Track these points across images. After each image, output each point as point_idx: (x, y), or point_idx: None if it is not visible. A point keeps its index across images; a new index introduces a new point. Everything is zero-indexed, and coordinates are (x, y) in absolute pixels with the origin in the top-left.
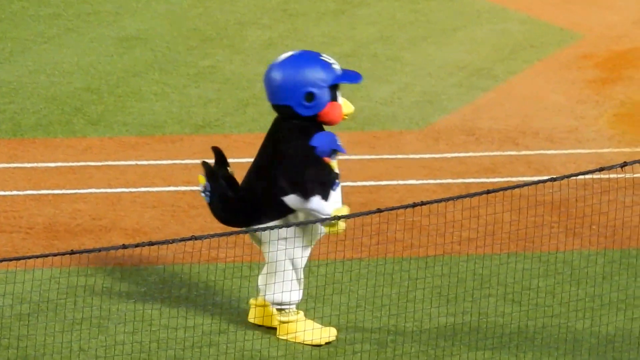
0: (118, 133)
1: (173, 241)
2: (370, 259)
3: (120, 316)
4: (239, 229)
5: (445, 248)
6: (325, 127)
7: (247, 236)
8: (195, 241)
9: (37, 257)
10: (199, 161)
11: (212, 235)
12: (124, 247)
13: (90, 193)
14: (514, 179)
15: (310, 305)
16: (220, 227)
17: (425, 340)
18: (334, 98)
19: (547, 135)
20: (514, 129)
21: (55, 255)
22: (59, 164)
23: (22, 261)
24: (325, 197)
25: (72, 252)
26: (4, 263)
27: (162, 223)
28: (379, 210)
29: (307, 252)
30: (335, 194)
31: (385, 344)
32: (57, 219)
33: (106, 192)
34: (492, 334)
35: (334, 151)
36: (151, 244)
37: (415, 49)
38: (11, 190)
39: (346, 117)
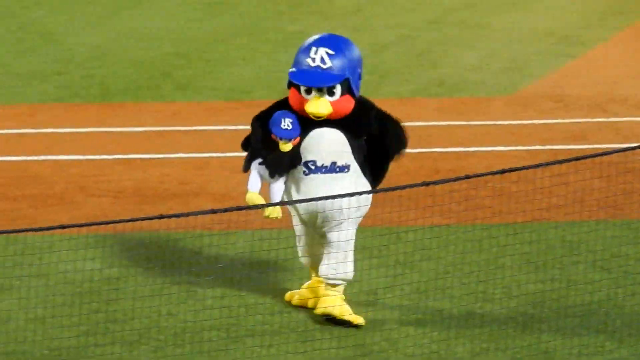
0: (206, 98)
1: (262, 206)
2: (459, 225)
3: (208, 281)
4: (330, 200)
5: (533, 214)
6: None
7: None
8: (284, 206)
9: (125, 221)
10: None
11: (299, 201)
12: (213, 211)
13: (179, 158)
14: (602, 146)
15: (398, 272)
16: None
17: (513, 307)
18: (294, 86)
19: (636, 102)
20: (602, 96)
21: (144, 219)
22: (147, 128)
23: (111, 225)
24: (245, 166)
25: (161, 217)
26: (93, 227)
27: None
28: (467, 177)
29: None
30: (256, 171)
31: (474, 311)
32: (145, 184)
33: (194, 157)
34: (581, 301)
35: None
36: (239, 208)
37: (502, 15)
38: (100, 155)
39: (311, 115)
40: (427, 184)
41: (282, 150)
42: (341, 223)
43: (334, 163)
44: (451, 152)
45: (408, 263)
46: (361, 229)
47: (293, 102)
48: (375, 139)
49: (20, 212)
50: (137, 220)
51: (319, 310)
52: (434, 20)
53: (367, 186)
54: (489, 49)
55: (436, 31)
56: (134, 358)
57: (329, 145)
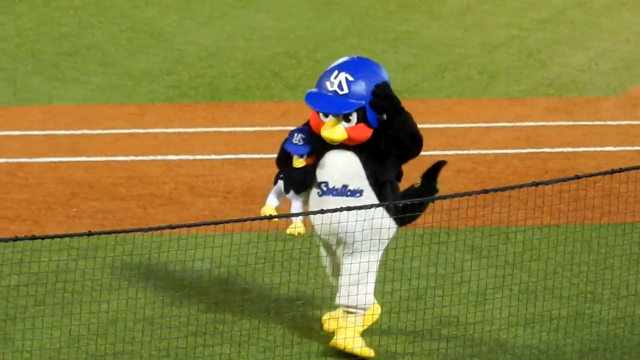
0: None
1: (371, 206)
2: (568, 225)
3: (317, 281)
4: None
5: None
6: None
7: (445, 202)
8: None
9: (235, 221)
10: None
11: (409, 201)
12: (323, 212)
13: None
14: None
15: (507, 272)
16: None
17: (622, 307)
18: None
19: None
20: None
21: (253, 219)
22: (257, 128)
23: (220, 225)
24: (274, 181)
25: (270, 217)
26: (202, 227)
27: None
28: (577, 177)
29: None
30: (277, 187)
31: (582, 311)
32: (254, 183)
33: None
34: None
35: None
36: (350, 208)
37: (613, 15)
38: (210, 155)
39: (325, 139)
40: (536, 184)
41: (294, 165)
42: (356, 249)
43: (345, 186)
44: (560, 152)
45: (517, 263)
46: (470, 230)
47: (312, 122)
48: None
49: (129, 212)
50: (246, 220)
51: (331, 343)
52: (544, 20)
53: (384, 214)
54: (598, 48)
55: (546, 31)
56: (243, 358)
57: (341, 167)
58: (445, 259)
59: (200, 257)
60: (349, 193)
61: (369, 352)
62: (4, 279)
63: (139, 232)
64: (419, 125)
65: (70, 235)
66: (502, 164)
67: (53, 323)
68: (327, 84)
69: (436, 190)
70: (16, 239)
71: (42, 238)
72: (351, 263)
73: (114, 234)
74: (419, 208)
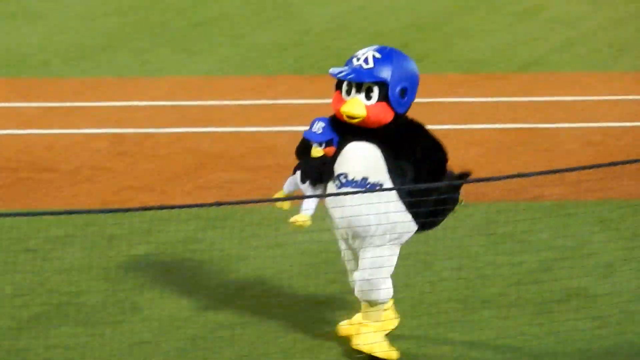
0: (444, 70)
1: (498, 178)
2: None
3: (445, 252)
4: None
5: None
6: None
7: (573, 174)
8: (520, 178)
9: (364, 191)
10: (525, 99)
11: (538, 173)
12: (450, 184)
13: None
14: None
15: (635, 244)
16: (544, 166)
17: None
18: (337, 88)
19: None
20: None
21: (374, 191)
22: None
23: (348, 196)
24: (293, 171)
25: (392, 189)
26: (327, 197)
27: (487, 160)
28: None
29: None
30: (293, 177)
31: None
32: None
33: (432, 129)
34: None
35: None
36: (477, 180)
37: None
38: None
39: (347, 117)
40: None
41: (312, 155)
42: (372, 243)
43: (364, 179)
44: None
45: None
46: (598, 202)
47: (334, 104)
48: (417, 165)
49: (257, 182)
50: (376, 191)
51: (353, 345)
52: None
53: (403, 210)
54: None
55: None
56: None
57: (362, 159)
58: (573, 231)
59: (327, 228)
60: (368, 186)
61: (391, 355)
62: (133, 248)
63: (266, 203)
64: (540, 98)
65: (199, 205)
66: (631, 137)
67: (181, 293)
68: (354, 60)
69: (458, 201)
70: (145, 208)
71: (171, 208)
72: (369, 257)
73: (241, 204)
74: (440, 212)
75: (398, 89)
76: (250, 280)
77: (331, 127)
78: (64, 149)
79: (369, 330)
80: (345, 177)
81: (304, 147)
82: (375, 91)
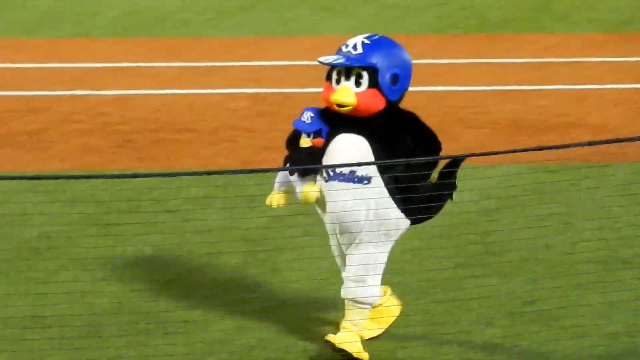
0: (585, 30)
1: (639, 138)
2: None
3: (584, 213)
4: None
5: None
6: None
7: None
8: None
9: (502, 152)
10: None
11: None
12: (589, 143)
13: (556, 89)
14: None
15: None
16: None
17: None
18: (327, 79)
19: None
20: None
21: (521, 151)
22: (525, 60)
23: (488, 157)
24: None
25: (540, 148)
26: (470, 158)
27: (628, 119)
28: None
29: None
30: (280, 176)
31: None
32: (521, 115)
33: (572, 89)
34: None
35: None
36: (618, 140)
37: None
38: (477, 86)
39: (336, 106)
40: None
41: (301, 145)
42: (362, 240)
43: (352, 172)
44: None
45: None
46: None
47: (324, 95)
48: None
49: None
50: (514, 151)
51: (326, 337)
52: None
53: (393, 207)
54: None
55: None
56: (510, 290)
57: (349, 152)
58: None
59: (469, 189)
60: (355, 179)
61: (364, 356)
62: (272, 209)
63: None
64: None
65: (339, 166)
66: None
67: (321, 253)
68: (343, 47)
69: (454, 187)
70: (285, 169)
71: (311, 168)
72: (356, 254)
73: (379, 164)
74: (434, 206)
75: (389, 75)
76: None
77: (320, 118)
78: (203, 109)
79: (347, 334)
80: (333, 169)
81: (293, 138)
82: (365, 77)
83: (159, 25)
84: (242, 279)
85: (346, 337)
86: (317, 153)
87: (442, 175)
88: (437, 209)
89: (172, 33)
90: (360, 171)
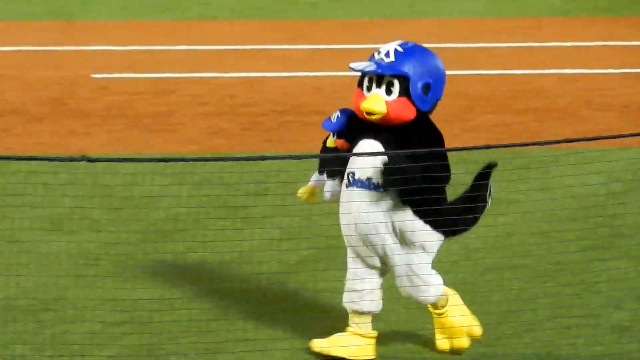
0: None
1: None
2: None
3: None
4: None
5: None
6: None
7: None
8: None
9: (630, 135)
10: None
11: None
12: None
13: None
14: None
15: None
16: None
17: None
18: (359, 85)
19: None
20: None
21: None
22: None
23: (617, 139)
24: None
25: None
26: (598, 141)
27: None
28: None
29: None
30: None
31: None
32: None
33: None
34: None
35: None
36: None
37: None
38: (606, 69)
39: (366, 114)
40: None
41: (327, 145)
42: (394, 250)
43: (369, 179)
44: None
45: None
46: None
47: (354, 101)
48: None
49: (525, 125)
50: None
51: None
52: None
53: (411, 218)
54: None
55: None
56: (639, 273)
57: (370, 159)
58: None
59: (597, 171)
60: (372, 187)
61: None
62: None
63: (535, 146)
64: None
65: (467, 149)
66: None
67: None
68: (375, 54)
69: (487, 200)
70: (412, 151)
71: (440, 151)
72: (398, 264)
73: (510, 147)
74: (468, 219)
75: (420, 84)
76: (519, 223)
77: (348, 120)
78: (330, 91)
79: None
80: (353, 175)
81: (327, 138)
82: (396, 85)
83: (287, 7)
84: None
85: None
86: (340, 154)
87: (474, 187)
88: (472, 221)
89: (299, 15)
90: (376, 178)
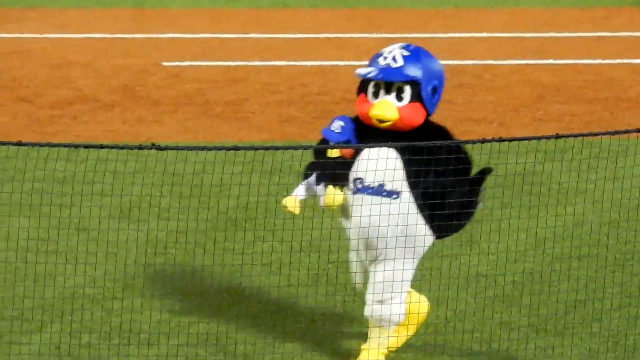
0: None
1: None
2: None
3: None
4: None
5: None
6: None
7: None
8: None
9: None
10: None
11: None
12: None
13: None
14: None
15: None
16: None
17: None
18: (361, 91)
19: None
20: None
21: None
22: None
23: None
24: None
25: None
26: None
27: None
28: None
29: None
30: (308, 182)
31: None
32: None
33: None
34: None
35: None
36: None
37: None
38: None
39: (376, 121)
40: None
41: (328, 155)
42: (387, 256)
43: (381, 185)
44: None
45: None
46: None
47: (359, 108)
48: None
49: (596, 115)
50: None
51: None
52: None
53: (422, 223)
54: None
55: None
56: None
57: (379, 164)
58: None
59: None
60: (384, 193)
61: None
62: None
63: (604, 136)
64: None
65: (538, 138)
66: None
67: (519, 225)
68: (380, 59)
69: (480, 198)
70: (483, 140)
71: (510, 140)
72: (381, 271)
73: (580, 137)
74: (461, 218)
75: (430, 87)
76: (588, 213)
77: (351, 128)
78: None
79: (370, 354)
80: (361, 182)
81: (322, 146)
82: (407, 91)
83: None
84: (439, 250)
85: (370, 356)
86: (345, 163)
87: (469, 184)
88: (466, 219)
89: (370, 4)
90: (390, 185)
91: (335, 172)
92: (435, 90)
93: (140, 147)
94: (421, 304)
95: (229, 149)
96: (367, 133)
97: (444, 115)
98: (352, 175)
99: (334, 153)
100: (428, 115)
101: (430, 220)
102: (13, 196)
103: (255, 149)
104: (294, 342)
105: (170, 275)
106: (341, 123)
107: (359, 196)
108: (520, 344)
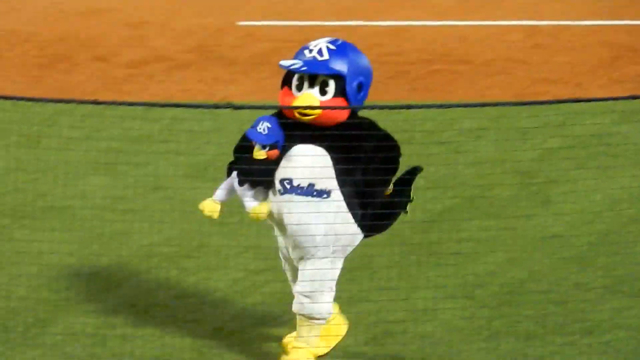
0: None
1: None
2: None
3: None
4: None
5: None
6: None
7: None
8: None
9: None
10: None
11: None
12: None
13: None
14: None
15: None
16: None
17: None
18: (285, 83)
19: None
20: None
21: None
22: None
23: None
24: (227, 173)
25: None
26: None
27: None
28: None
29: None
30: (229, 180)
31: None
32: None
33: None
34: None
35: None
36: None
37: None
38: None
39: (298, 114)
40: None
41: (254, 157)
42: (314, 255)
43: (311, 185)
44: None
45: None
46: None
47: (282, 101)
48: (367, 162)
49: None
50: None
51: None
52: None
53: (351, 222)
54: None
55: None
56: None
57: (308, 164)
58: None
59: None
60: (314, 193)
61: None
62: (546, 141)
63: None
64: None
65: (614, 99)
66: None
67: (594, 186)
68: (306, 51)
69: (410, 200)
70: (560, 101)
71: (586, 101)
72: (309, 269)
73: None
74: (389, 217)
75: (355, 83)
76: None
77: (277, 128)
78: (478, 40)
79: (300, 353)
80: (290, 182)
81: (244, 147)
82: (331, 85)
83: None
84: (514, 210)
85: (301, 357)
86: (271, 165)
87: (398, 183)
88: (393, 219)
89: None
90: (320, 184)
91: (260, 175)
92: (361, 87)
93: (215, 107)
94: (341, 326)
95: (304, 107)
96: (293, 130)
97: (519, 75)
98: (280, 175)
99: (260, 155)
100: (353, 110)
101: (361, 218)
102: (89, 154)
103: (330, 108)
104: (369, 302)
105: (244, 234)
106: (267, 124)
107: (287, 197)
108: (596, 306)
